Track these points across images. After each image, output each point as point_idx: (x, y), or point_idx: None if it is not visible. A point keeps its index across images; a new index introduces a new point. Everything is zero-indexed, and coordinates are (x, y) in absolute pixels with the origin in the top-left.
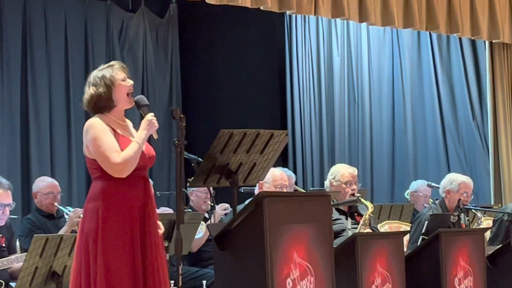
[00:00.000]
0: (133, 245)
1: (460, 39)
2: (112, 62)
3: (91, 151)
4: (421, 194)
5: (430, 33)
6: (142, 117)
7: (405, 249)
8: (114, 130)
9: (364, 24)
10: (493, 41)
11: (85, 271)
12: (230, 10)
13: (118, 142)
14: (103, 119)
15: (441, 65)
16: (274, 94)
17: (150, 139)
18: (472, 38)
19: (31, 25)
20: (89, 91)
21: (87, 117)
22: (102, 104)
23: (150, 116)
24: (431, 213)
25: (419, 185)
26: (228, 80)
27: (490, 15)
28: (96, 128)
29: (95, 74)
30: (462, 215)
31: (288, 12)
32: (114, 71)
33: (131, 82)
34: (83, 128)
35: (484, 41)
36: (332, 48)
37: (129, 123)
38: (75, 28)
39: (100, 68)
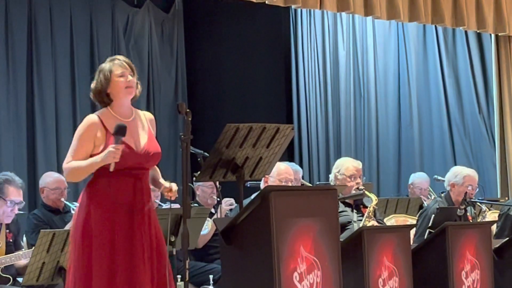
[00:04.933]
0: (113, 245)
1: (466, 32)
2: (116, 56)
3: None
4: (417, 187)
5: (435, 26)
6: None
7: (411, 243)
8: (107, 130)
9: (369, 18)
10: (499, 34)
11: (72, 263)
12: (235, 4)
13: (106, 143)
14: (103, 116)
15: (447, 59)
16: (280, 88)
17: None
18: (478, 31)
19: (36, 20)
20: (92, 83)
21: (93, 111)
22: (98, 98)
23: (111, 147)
24: (437, 207)
25: (415, 178)
26: (233, 75)
27: (495, 8)
28: (81, 128)
29: (99, 67)
30: (468, 208)
31: (293, 6)
32: (113, 66)
33: (130, 78)
34: None
35: (490, 34)
36: (337, 42)
37: (144, 115)
38: (81, 23)
39: (106, 60)
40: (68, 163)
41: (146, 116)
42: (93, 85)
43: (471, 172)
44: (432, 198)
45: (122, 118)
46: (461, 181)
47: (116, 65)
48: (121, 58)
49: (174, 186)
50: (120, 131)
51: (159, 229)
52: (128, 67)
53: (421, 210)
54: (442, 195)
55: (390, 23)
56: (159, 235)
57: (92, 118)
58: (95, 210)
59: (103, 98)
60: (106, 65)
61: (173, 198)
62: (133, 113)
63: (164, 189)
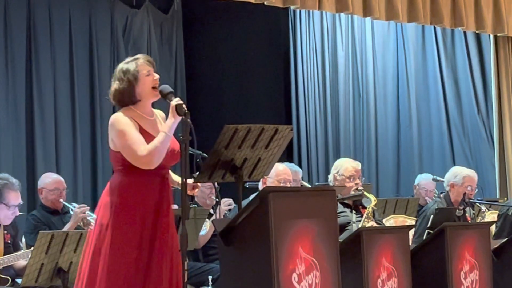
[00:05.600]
0: (140, 243)
1: (464, 32)
2: (137, 56)
3: (117, 145)
4: (422, 188)
5: (434, 27)
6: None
7: (410, 243)
8: (138, 125)
9: (368, 19)
10: (498, 34)
11: (91, 262)
12: (234, 5)
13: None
14: (128, 113)
15: (446, 59)
16: (279, 89)
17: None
18: (476, 31)
19: (35, 21)
20: (114, 85)
21: (92, 113)
22: (125, 98)
23: (174, 102)
24: (436, 207)
25: (421, 179)
26: (232, 76)
27: (494, 9)
28: (121, 122)
29: (120, 68)
30: (467, 209)
31: (292, 7)
32: (138, 65)
33: (157, 76)
34: (88, 124)
35: (489, 35)
36: (336, 43)
37: (159, 114)
38: (80, 24)
39: (126, 60)
40: (144, 149)
41: (160, 115)
42: (117, 86)
43: (471, 173)
44: None
45: (147, 117)
46: (461, 182)
47: (142, 64)
48: (143, 56)
49: (199, 184)
50: (167, 88)
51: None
52: (152, 65)
53: (420, 211)
54: (442, 195)
55: (389, 24)
56: (175, 236)
57: (120, 113)
58: (123, 209)
59: (131, 98)
60: (130, 65)
61: (196, 194)
62: (153, 113)
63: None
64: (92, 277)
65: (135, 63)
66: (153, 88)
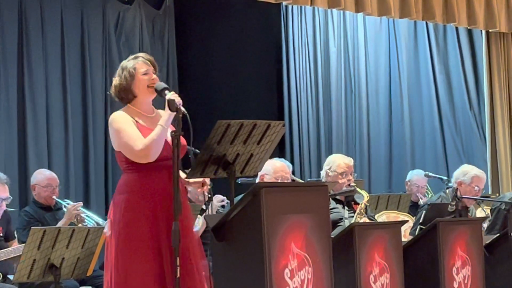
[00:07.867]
0: (158, 235)
1: (456, 28)
2: (139, 54)
3: (115, 144)
4: (413, 184)
5: (426, 23)
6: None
7: (404, 239)
8: (137, 122)
9: (360, 15)
10: (490, 30)
11: (109, 260)
12: (226, 1)
13: (141, 133)
14: (126, 111)
15: (438, 55)
16: (271, 84)
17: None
18: (468, 27)
19: (27, 17)
20: (114, 80)
21: (84, 109)
22: (122, 94)
23: (169, 95)
24: (439, 202)
25: (413, 175)
26: (225, 72)
27: (486, 5)
28: (118, 120)
29: (121, 64)
30: (471, 209)
31: (284, 3)
32: (136, 63)
33: (153, 76)
34: (80, 120)
35: (481, 31)
36: (328, 38)
37: (160, 112)
38: (71, 20)
39: (128, 58)
40: (141, 143)
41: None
42: (116, 82)
43: (480, 173)
44: (429, 196)
45: (145, 114)
46: (469, 181)
47: (140, 63)
48: (144, 55)
49: (207, 180)
50: (161, 85)
51: (191, 219)
52: (152, 65)
53: (420, 205)
54: (447, 190)
55: (381, 20)
56: (190, 226)
57: (118, 112)
58: (132, 206)
59: (127, 95)
60: (129, 63)
61: (206, 191)
62: (154, 111)
63: (195, 184)
64: (106, 274)
65: (134, 61)
66: (148, 86)
